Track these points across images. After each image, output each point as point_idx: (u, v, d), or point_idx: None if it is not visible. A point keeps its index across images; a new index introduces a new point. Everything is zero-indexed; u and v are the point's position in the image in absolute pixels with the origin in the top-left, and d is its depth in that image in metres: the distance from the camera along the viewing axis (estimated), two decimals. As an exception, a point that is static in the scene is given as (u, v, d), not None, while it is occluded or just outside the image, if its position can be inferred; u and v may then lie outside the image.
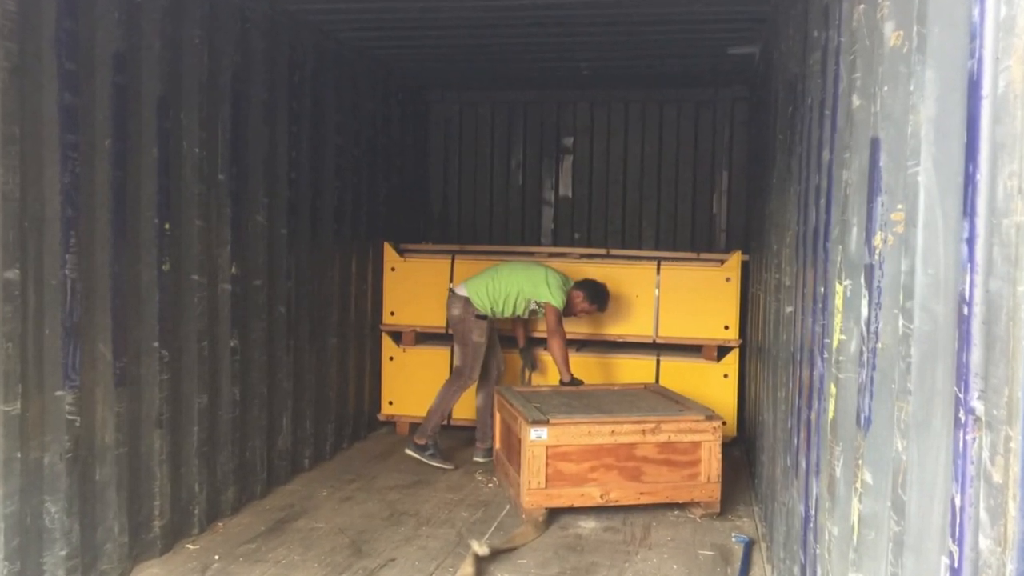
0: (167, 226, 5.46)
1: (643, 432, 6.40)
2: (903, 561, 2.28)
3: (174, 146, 5.56)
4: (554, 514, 6.40)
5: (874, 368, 2.69)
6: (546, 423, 6.29)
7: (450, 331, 8.20)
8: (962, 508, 1.86)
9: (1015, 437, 1.60)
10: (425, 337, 9.14)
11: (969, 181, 1.88)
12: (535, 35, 7.74)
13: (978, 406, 1.80)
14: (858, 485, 2.83)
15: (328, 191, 7.81)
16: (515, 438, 6.63)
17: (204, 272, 5.86)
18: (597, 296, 7.95)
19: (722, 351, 8.58)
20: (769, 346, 6.13)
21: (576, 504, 6.38)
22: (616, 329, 8.71)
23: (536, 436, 6.25)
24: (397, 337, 9.07)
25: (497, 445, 7.55)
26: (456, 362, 8.04)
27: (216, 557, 5.57)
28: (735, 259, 8.53)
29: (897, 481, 2.35)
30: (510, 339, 8.58)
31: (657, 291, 8.62)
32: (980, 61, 1.84)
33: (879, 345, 2.64)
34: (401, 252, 9.11)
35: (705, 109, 10.38)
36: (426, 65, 9.15)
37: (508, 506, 6.68)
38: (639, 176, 10.54)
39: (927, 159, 2.21)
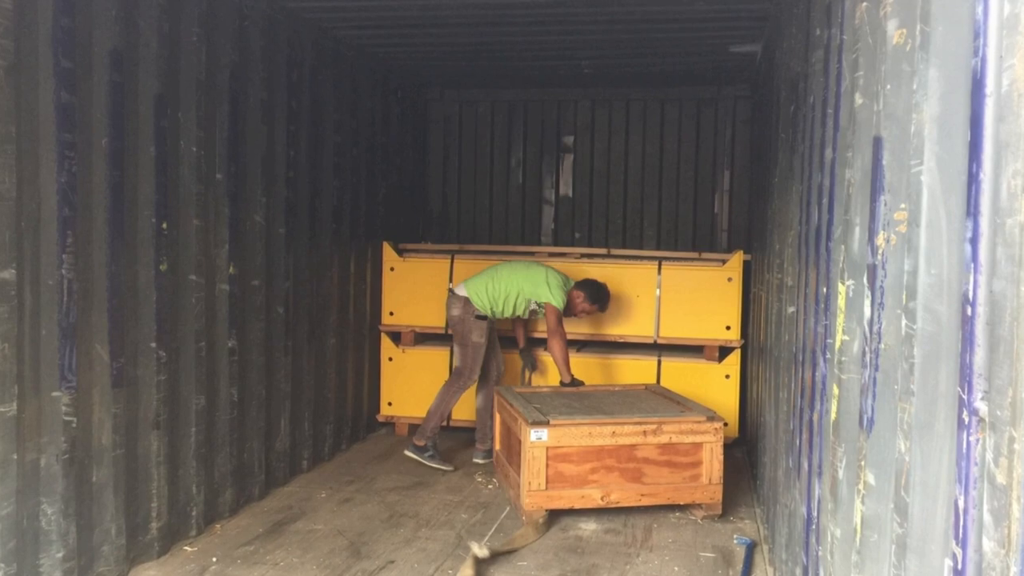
0: (165, 226, 5.43)
1: (644, 433, 6.37)
2: (906, 563, 2.27)
3: (171, 145, 5.53)
4: (554, 516, 6.37)
5: (877, 369, 2.68)
6: (546, 424, 6.26)
7: (449, 331, 8.18)
8: (965, 510, 1.85)
9: (1019, 438, 1.59)
10: (424, 337, 9.12)
11: (973, 180, 1.87)
12: (536, 33, 7.72)
13: (982, 407, 1.79)
14: (861, 487, 2.81)
15: (327, 190, 7.78)
16: (515, 439, 6.60)
17: (202, 272, 5.83)
18: (598, 296, 7.92)
19: (724, 352, 8.55)
20: (771, 347, 6.11)
21: (577, 506, 6.35)
22: (617, 329, 8.69)
23: (536, 437, 6.22)
24: (396, 337, 9.04)
25: (497, 446, 7.52)
26: (455, 363, 8.01)
27: (214, 559, 5.54)
28: (737, 259, 8.50)
29: (900, 483, 2.34)
30: (510, 339, 8.56)
31: (658, 291, 8.59)
32: (984, 59, 1.83)
33: (882, 346, 2.63)
34: (400, 252, 9.09)
35: (707, 108, 10.35)
36: (426, 63, 9.13)
37: (508, 508, 6.65)
38: (640, 175, 10.51)
39: (930, 158, 2.20)
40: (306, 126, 7.34)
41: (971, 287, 1.86)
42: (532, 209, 10.80)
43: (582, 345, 8.81)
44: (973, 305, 1.85)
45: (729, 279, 8.48)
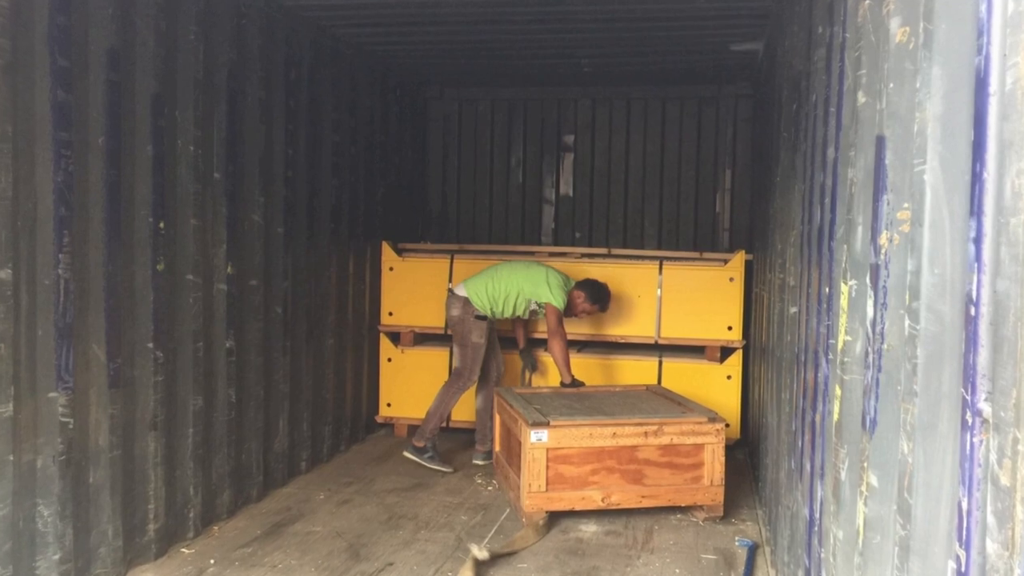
0: (162, 225, 5.40)
1: (645, 434, 6.35)
2: (909, 565, 2.26)
3: (169, 144, 5.51)
4: (555, 518, 6.34)
5: (880, 369, 2.66)
6: (547, 425, 6.23)
7: (449, 332, 8.15)
8: (969, 512, 1.85)
9: (1023, 440, 1.57)
10: (424, 338, 9.09)
11: (976, 179, 1.86)
12: (536, 31, 7.69)
13: (985, 408, 1.79)
14: (863, 488, 2.80)
15: (325, 190, 7.75)
16: (515, 440, 6.57)
17: (199, 272, 5.81)
18: (599, 296, 7.89)
19: (725, 352, 8.52)
20: (773, 347, 6.09)
21: (577, 507, 6.32)
22: (618, 330, 8.66)
23: (536, 438, 6.19)
24: (395, 338, 9.01)
25: (497, 447, 7.50)
26: (455, 363, 7.98)
27: (211, 561, 5.52)
28: (739, 259, 8.48)
29: (903, 484, 2.33)
30: (510, 340, 8.53)
31: (659, 291, 8.57)
32: (987, 58, 1.82)
33: (885, 346, 2.61)
34: (399, 251, 9.06)
35: (708, 106, 10.32)
36: (425, 61, 9.11)
37: (508, 509, 6.62)
38: (641, 174, 10.49)
39: (933, 157, 2.18)
40: (304, 125, 7.32)
41: (974, 287, 1.85)
42: (532, 209, 10.78)
43: (583, 346, 8.78)
44: (977, 305, 1.84)
45: (731, 279, 8.45)
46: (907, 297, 2.33)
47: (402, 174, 9.82)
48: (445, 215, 10.89)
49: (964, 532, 1.86)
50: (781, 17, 6.19)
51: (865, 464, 2.78)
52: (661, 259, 8.71)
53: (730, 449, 7.55)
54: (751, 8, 6.77)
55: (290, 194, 7.04)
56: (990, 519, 1.71)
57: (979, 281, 1.83)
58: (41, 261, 4.55)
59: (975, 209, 1.86)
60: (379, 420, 9.09)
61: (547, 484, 6.22)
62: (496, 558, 5.56)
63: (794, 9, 5.34)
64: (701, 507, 6.46)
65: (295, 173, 7.14)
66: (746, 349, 8.47)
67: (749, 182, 9.84)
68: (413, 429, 8.33)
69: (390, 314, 9.01)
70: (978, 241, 1.84)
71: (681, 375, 8.43)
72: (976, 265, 1.84)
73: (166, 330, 5.50)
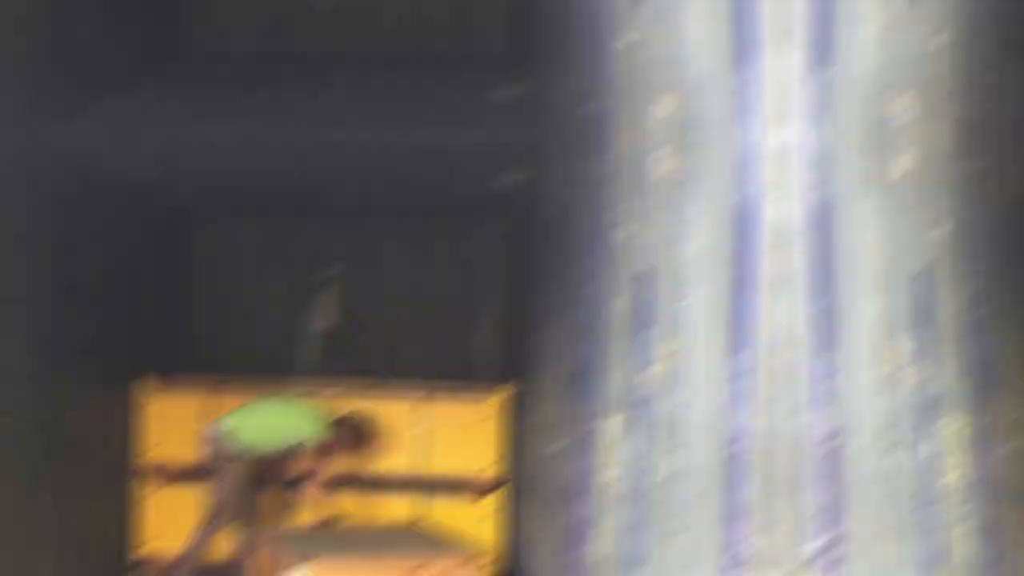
0: None
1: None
2: None
3: None
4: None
5: (642, 506, 2.63)
6: (306, 564, 5.99)
7: (209, 469, 7.81)
8: None
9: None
10: (186, 476, 8.62)
11: (740, 315, 1.86)
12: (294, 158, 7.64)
13: (749, 545, 1.76)
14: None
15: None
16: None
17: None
18: (359, 433, 7.80)
19: (488, 489, 8.43)
20: (537, 484, 6.06)
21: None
22: (378, 466, 8.46)
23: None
24: (155, 475, 8.53)
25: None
26: (212, 501, 7.63)
27: None
28: (501, 394, 8.47)
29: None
30: (276, 481, 8.22)
31: (417, 428, 8.46)
32: (752, 193, 1.84)
33: (648, 482, 2.58)
34: (156, 387, 8.67)
35: (465, 241, 10.36)
36: (186, 189, 8.90)
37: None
38: (407, 308, 10.41)
39: (697, 292, 2.19)
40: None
41: (738, 423, 1.84)
42: (293, 342, 10.52)
43: (341, 483, 8.50)
44: (740, 442, 1.83)
45: (491, 415, 8.44)
46: (670, 433, 2.32)
47: (160, 305, 9.44)
48: (212, 344, 10.49)
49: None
50: (547, 148, 6.30)
51: (631, 605, 2.73)
52: (420, 394, 8.63)
53: (495, 588, 7.45)
54: (513, 142, 6.86)
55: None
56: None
57: (742, 417, 1.83)
58: None
59: (739, 345, 1.86)
60: (135, 560, 8.53)
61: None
62: None
63: (557, 142, 5.44)
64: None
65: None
66: (511, 485, 8.40)
67: (519, 314, 9.89)
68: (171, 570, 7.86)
69: (148, 452, 8.55)
70: (741, 377, 1.84)
71: (443, 512, 8.28)
72: (739, 401, 1.84)
73: None
